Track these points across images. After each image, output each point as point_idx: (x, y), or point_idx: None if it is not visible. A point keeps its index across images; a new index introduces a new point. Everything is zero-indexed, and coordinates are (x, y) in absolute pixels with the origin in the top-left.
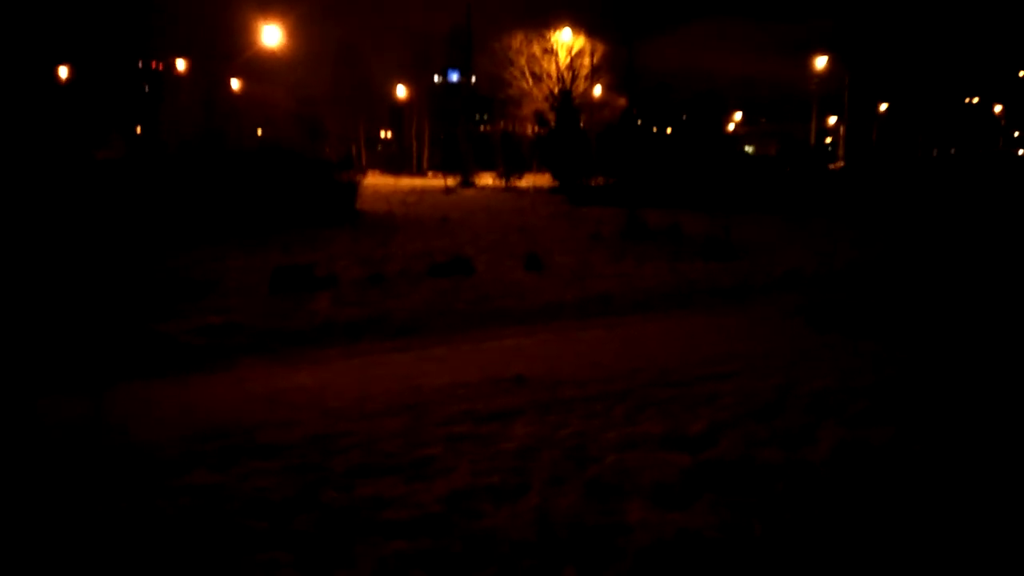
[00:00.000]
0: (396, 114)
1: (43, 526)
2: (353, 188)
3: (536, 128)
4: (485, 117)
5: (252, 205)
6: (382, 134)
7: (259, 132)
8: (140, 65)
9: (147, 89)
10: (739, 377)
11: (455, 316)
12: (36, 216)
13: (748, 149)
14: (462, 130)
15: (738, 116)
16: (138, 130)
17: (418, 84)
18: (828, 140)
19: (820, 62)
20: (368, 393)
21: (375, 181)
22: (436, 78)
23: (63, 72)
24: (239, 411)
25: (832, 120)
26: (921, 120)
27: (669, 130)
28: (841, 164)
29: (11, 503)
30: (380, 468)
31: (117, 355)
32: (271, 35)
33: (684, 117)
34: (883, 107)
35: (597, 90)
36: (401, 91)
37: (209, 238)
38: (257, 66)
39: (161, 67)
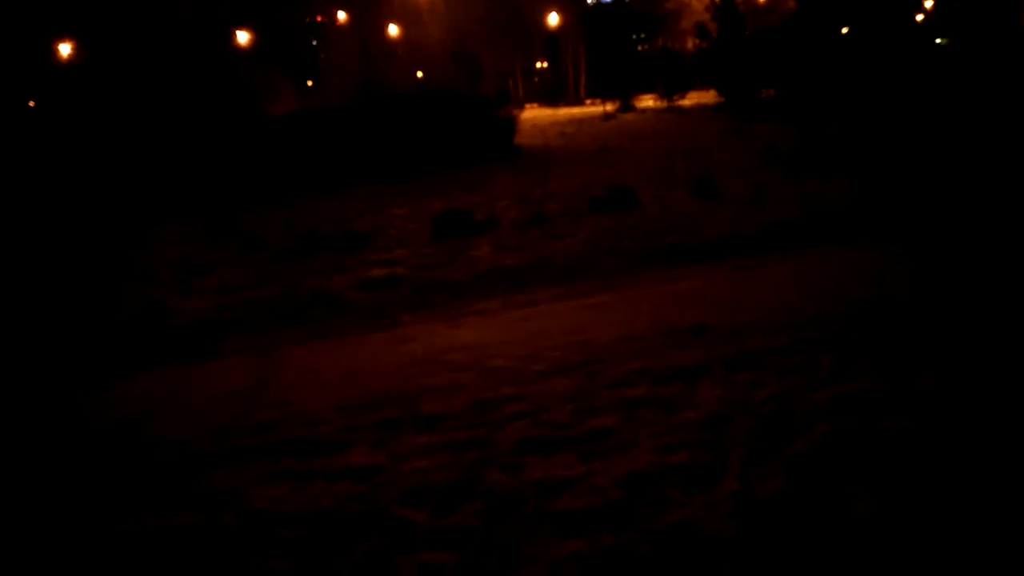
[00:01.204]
0: (551, 43)
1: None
2: (511, 123)
3: (697, 42)
4: (642, 36)
5: (413, 149)
6: (538, 65)
7: (418, 74)
8: (307, 20)
9: (313, 42)
10: (960, 316)
11: (621, 256)
12: (203, 174)
13: (938, 40)
14: (619, 52)
15: (928, 2)
16: (308, 83)
17: (571, 9)
18: None
19: None
20: (533, 350)
21: (533, 114)
22: (589, 0)
23: (242, 36)
24: (401, 375)
25: None
26: None
27: (845, 30)
28: None
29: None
30: (549, 442)
31: (282, 315)
32: None
33: (866, 11)
34: None
35: None
36: (554, 18)
37: (371, 185)
38: (412, 9)
39: (325, 19)
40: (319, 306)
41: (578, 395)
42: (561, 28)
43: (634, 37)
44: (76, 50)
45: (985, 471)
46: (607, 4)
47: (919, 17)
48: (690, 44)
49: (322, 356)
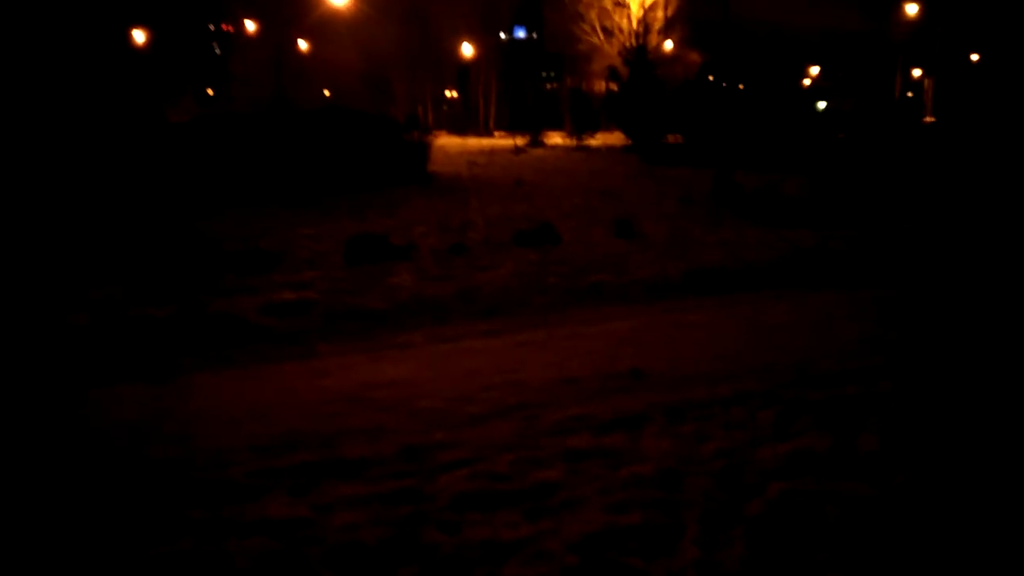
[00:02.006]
0: (463, 73)
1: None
2: (424, 149)
3: (607, 85)
4: (553, 75)
5: (321, 167)
6: (448, 94)
7: (326, 93)
8: (211, 28)
9: (218, 51)
10: (897, 372)
11: (548, 292)
12: (99, 178)
13: (820, 104)
14: (530, 88)
15: (815, 70)
16: (209, 92)
17: (485, 42)
18: (910, 94)
19: (911, 9)
20: (464, 391)
21: (443, 142)
22: (503, 36)
23: (138, 36)
24: (318, 413)
25: (916, 73)
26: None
27: (742, 86)
28: (931, 119)
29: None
30: (491, 497)
31: (182, 338)
32: None
33: (760, 72)
34: (975, 58)
35: (668, 45)
36: (467, 50)
37: (278, 202)
38: (325, 27)
39: (231, 29)
40: (224, 330)
41: (517, 443)
42: (474, 60)
43: (545, 75)
44: None
45: (949, 541)
46: (520, 41)
47: (806, 82)
48: (598, 87)
49: (229, 387)
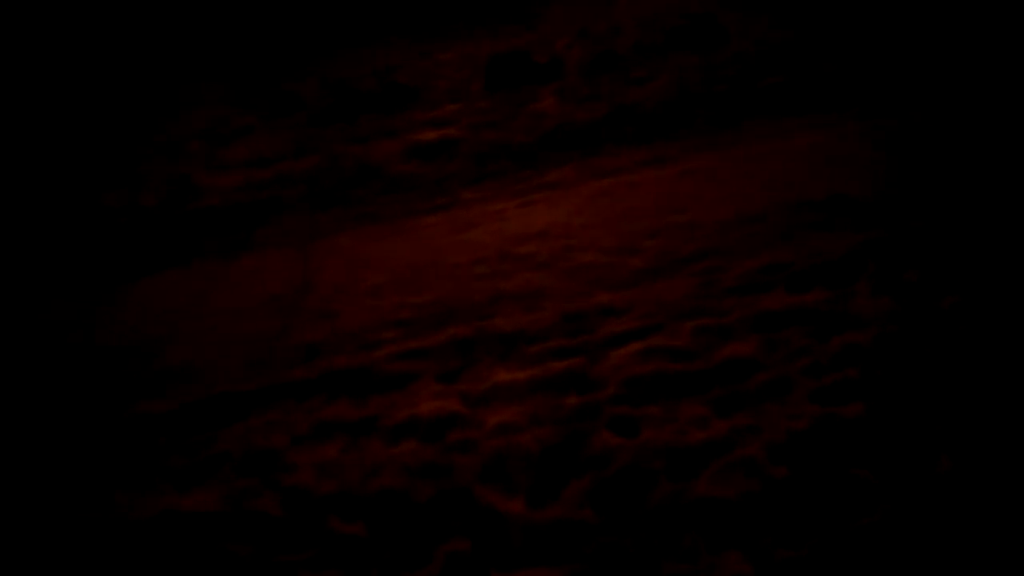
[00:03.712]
0: None
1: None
2: None
3: None
4: None
5: None
6: None
7: None
8: None
9: None
10: None
11: (716, 104)
12: (228, 23)
13: None
14: None
15: None
16: None
17: None
18: None
19: None
20: (626, 238)
21: None
22: None
23: None
24: (468, 275)
25: None
26: None
27: None
28: None
29: None
30: (670, 382)
31: (323, 193)
32: None
33: None
34: None
35: None
36: None
37: (413, 29)
38: None
39: None
40: (365, 180)
41: (696, 305)
42: None
43: None
44: None
45: None
46: None
47: None
48: None
49: (372, 248)
